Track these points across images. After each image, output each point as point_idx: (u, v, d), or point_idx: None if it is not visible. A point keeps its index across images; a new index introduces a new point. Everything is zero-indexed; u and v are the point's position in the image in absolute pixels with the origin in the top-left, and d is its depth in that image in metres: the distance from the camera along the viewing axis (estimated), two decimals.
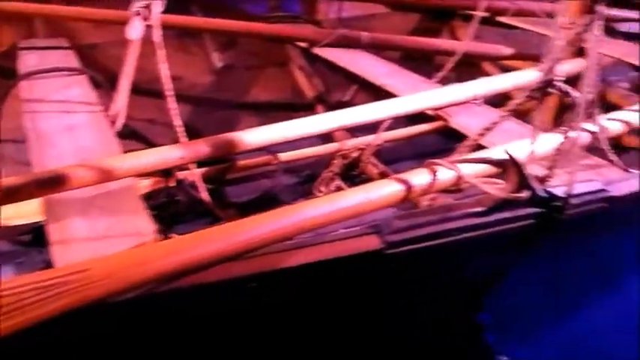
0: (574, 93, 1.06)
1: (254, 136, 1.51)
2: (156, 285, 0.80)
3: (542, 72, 1.06)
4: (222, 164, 2.13)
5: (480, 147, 1.32)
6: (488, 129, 1.22)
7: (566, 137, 1.09)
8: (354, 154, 2.27)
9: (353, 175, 2.26)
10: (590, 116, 1.46)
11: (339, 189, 1.98)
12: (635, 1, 3.51)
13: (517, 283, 2.47)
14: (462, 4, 3.19)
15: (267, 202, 2.16)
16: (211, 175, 2.08)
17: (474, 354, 2.32)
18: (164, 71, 1.61)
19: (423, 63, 2.82)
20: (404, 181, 1.06)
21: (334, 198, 0.95)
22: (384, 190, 1.03)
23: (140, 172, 1.32)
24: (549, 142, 1.20)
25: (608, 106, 2.48)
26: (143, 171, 1.32)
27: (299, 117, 1.60)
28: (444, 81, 2.15)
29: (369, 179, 2.10)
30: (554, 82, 1.07)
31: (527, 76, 1.65)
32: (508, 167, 1.00)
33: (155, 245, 1.03)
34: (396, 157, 2.39)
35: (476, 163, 1.12)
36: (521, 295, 2.54)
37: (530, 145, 1.11)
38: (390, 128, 2.16)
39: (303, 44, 2.74)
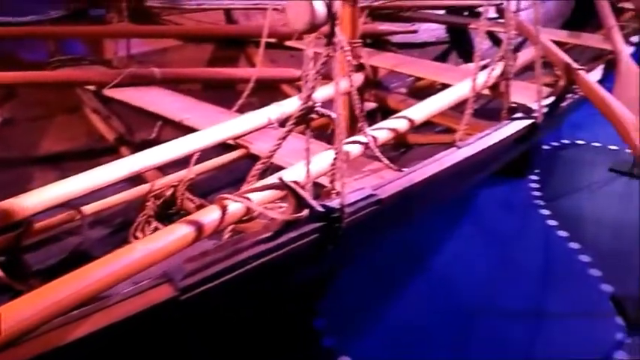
0: (332, 114, 1.20)
1: (45, 194, 1.40)
2: None
3: (301, 100, 1.17)
4: (13, 231, 1.92)
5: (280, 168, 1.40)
6: (273, 151, 1.30)
7: (337, 153, 1.23)
8: (168, 192, 2.22)
9: (171, 213, 2.22)
10: (360, 129, 1.65)
11: (156, 230, 1.93)
12: (402, 15, 4.06)
13: (346, 285, 2.67)
14: (251, 32, 3.34)
15: (76, 261, 2.00)
16: (2, 246, 1.86)
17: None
18: None
19: (225, 91, 2.88)
20: (194, 223, 1.08)
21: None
22: (174, 235, 1.04)
23: None
24: (325, 159, 1.33)
25: (389, 111, 2.83)
26: None
27: (103, 163, 1.54)
28: (247, 108, 2.22)
29: (188, 214, 2.09)
30: (315, 108, 1.19)
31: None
32: (286, 191, 1.09)
33: None
34: (214, 188, 2.40)
35: (263, 190, 1.19)
36: (351, 295, 2.75)
37: (306, 165, 1.21)
38: (202, 159, 2.18)
39: (92, 87, 2.61)
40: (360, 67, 2.77)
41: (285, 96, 2.87)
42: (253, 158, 2.31)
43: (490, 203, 3.63)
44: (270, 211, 1.10)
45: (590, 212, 3.44)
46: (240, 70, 2.94)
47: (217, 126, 1.92)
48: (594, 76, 2.14)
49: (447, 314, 2.69)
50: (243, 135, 2.01)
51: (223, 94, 2.70)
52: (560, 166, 4.11)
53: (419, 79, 3.23)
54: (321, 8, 1.07)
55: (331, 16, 1.11)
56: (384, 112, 2.92)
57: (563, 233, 3.28)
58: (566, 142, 4.42)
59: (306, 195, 1.09)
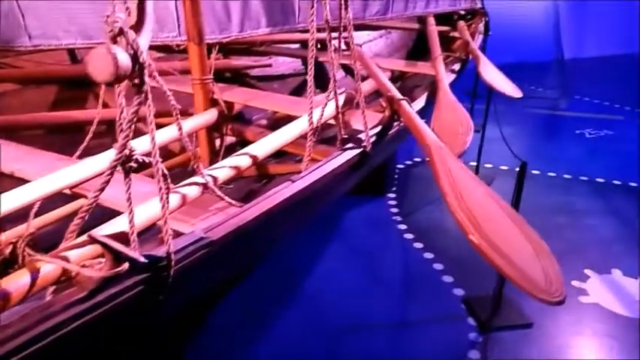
0: (148, 159, 1.19)
1: None
2: None
3: (116, 149, 1.15)
4: None
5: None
6: (91, 203, 1.25)
7: (161, 200, 1.21)
8: (8, 250, 2.03)
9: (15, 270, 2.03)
10: (197, 170, 1.66)
11: None
12: (258, 49, 4.16)
13: (218, 319, 2.63)
14: None
15: None
16: None
17: None
18: None
19: (72, 135, 2.72)
20: None
21: None
22: None
23: None
24: (156, 203, 1.31)
25: (246, 143, 2.86)
26: None
27: None
28: (97, 152, 2.11)
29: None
30: (133, 156, 1.18)
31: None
32: (100, 245, 1.06)
33: None
34: (61, 240, 2.24)
35: (77, 248, 1.14)
36: (223, 331, 2.71)
37: (129, 215, 1.18)
38: (46, 209, 2.02)
39: None
40: (214, 103, 2.79)
41: (141, 134, 2.78)
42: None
43: (354, 221, 3.83)
44: (88, 269, 1.06)
45: (441, 224, 3.77)
46: (85, 112, 2.79)
47: (48, 176, 1.81)
48: (419, 103, 2.37)
49: (319, 334, 2.77)
50: (81, 183, 1.91)
51: (69, 139, 2.55)
52: (413, 182, 4.47)
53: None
54: (125, 58, 1.07)
55: (139, 65, 1.11)
56: (244, 144, 2.97)
57: (418, 245, 3.55)
58: (419, 159, 4.82)
59: (122, 247, 1.06)
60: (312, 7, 1.75)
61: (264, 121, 3.50)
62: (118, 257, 1.06)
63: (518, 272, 1.12)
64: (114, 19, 1.09)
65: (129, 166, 1.19)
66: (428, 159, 1.68)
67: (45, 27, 2.90)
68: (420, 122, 1.86)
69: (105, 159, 1.95)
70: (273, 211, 1.47)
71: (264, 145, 2.02)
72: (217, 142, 2.90)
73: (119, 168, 1.17)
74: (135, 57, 1.09)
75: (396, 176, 4.50)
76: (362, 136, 1.89)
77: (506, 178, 4.10)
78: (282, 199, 1.51)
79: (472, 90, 4.39)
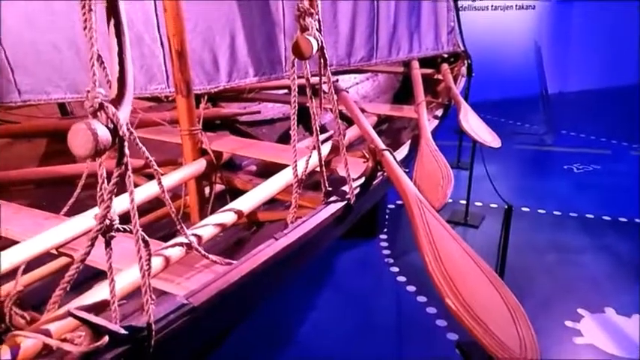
0: (128, 227, 1.20)
1: None
2: None
3: (96, 220, 1.16)
4: None
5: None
6: (76, 267, 1.25)
7: (140, 269, 1.22)
8: None
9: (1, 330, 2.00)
10: (180, 230, 1.67)
11: None
12: (246, 96, 4.24)
13: None
14: None
15: None
16: None
17: None
18: None
19: (62, 188, 2.73)
20: None
21: None
22: None
23: None
24: (135, 271, 1.31)
25: (238, 192, 2.88)
26: None
27: None
28: (87, 206, 2.11)
29: (19, 329, 1.90)
30: (114, 226, 1.19)
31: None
32: (79, 320, 1.05)
33: None
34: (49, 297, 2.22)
35: (55, 321, 1.14)
36: None
37: (110, 284, 1.19)
38: (33, 267, 2.02)
39: None
40: (203, 152, 2.83)
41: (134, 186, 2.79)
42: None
43: (345, 264, 3.82)
44: (67, 344, 1.05)
45: None
46: (73, 167, 2.81)
47: (36, 237, 1.83)
48: (402, 151, 2.41)
49: None
50: (68, 242, 1.92)
51: (59, 193, 2.56)
52: (405, 222, 4.46)
53: None
54: (104, 132, 1.09)
55: (119, 138, 1.13)
56: (233, 191, 2.99)
57: (411, 288, 3.53)
58: None
59: (101, 321, 1.06)
60: (293, 66, 1.80)
61: (253, 167, 3.52)
62: (97, 331, 1.06)
63: (494, 340, 1.13)
64: (94, 95, 1.13)
65: (109, 235, 1.20)
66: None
67: (35, 82, 2.96)
68: (402, 174, 1.89)
69: (90, 217, 1.96)
70: (257, 270, 1.47)
71: (249, 200, 2.04)
72: (207, 189, 2.92)
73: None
74: (115, 130, 1.12)
75: (387, 216, 4.52)
76: (346, 187, 1.92)
77: (496, 217, 4.12)
78: (266, 257, 1.51)
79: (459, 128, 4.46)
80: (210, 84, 3.16)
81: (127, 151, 1.16)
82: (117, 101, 1.19)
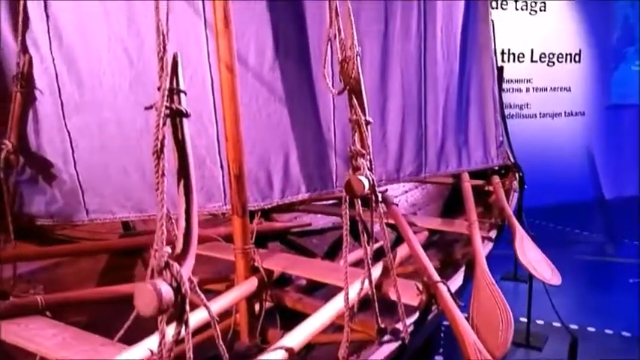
0: None
1: None
2: None
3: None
4: None
5: None
6: None
7: None
8: None
9: None
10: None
11: None
12: (297, 208, 4.33)
13: None
14: (148, 240, 3.36)
15: None
16: None
17: None
18: None
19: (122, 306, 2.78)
20: None
21: None
22: None
23: None
24: None
25: (287, 310, 2.86)
26: None
27: None
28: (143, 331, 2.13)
29: None
30: None
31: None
32: None
33: None
34: None
35: None
36: None
37: None
38: None
39: None
40: (255, 270, 2.86)
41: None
42: None
43: None
44: None
45: None
46: (132, 286, 2.89)
47: None
48: (456, 281, 2.34)
49: None
50: None
51: (118, 312, 2.60)
52: None
53: None
54: (168, 291, 1.13)
55: (181, 296, 1.17)
56: (283, 310, 2.97)
57: None
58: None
59: None
60: (345, 202, 1.86)
61: (302, 281, 3.51)
62: None
63: None
64: (161, 254, 1.19)
65: None
66: None
67: (102, 203, 3.16)
68: (458, 313, 1.84)
69: (146, 349, 1.97)
70: None
71: (300, 335, 1.99)
72: (256, 306, 2.92)
73: None
74: (178, 288, 1.16)
75: (442, 334, 4.30)
76: (400, 325, 1.87)
77: (561, 337, 3.83)
78: None
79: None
80: (264, 201, 3.28)
81: (187, 307, 1.20)
82: (181, 257, 1.25)
